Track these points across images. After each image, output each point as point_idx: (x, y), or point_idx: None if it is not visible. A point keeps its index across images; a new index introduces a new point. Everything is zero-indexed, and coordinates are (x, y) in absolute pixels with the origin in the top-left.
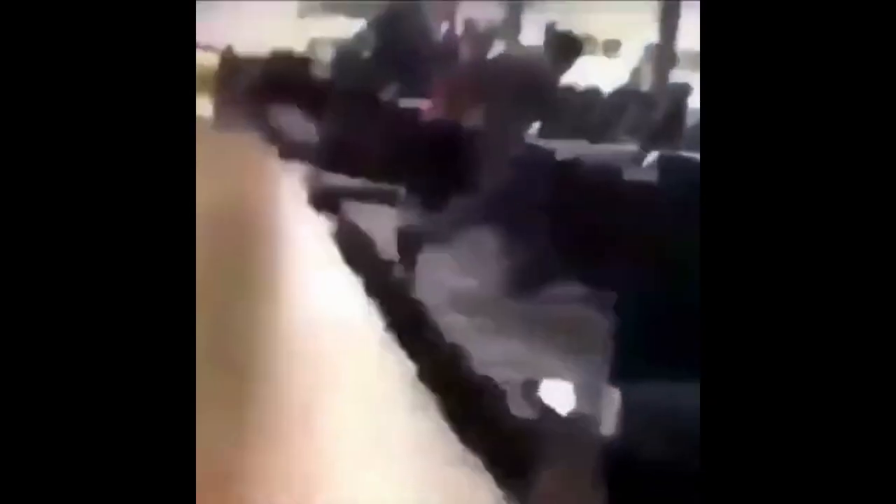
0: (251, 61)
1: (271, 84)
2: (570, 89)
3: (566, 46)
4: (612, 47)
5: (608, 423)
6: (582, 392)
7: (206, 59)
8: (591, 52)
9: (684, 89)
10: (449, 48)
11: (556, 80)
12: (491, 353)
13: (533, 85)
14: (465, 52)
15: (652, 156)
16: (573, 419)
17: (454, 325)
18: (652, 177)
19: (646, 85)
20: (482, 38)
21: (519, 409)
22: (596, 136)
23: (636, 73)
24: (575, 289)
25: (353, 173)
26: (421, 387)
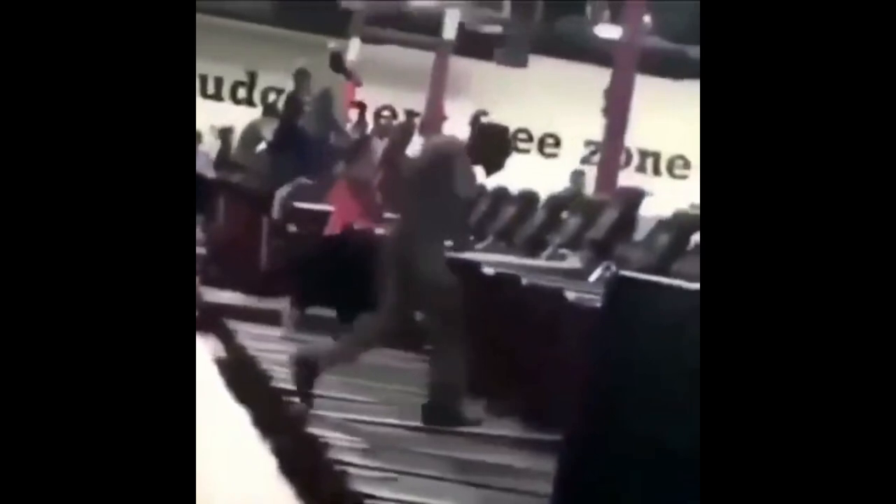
0: None
1: None
2: (502, 192)
3: (496, 140)
4: (548, 144)
5: None
6: None
7: None
8: (525, 150)
9: (637, 194)
10: (356, 142)
11: (471, 172)
12: None
13: (452, 182)
14: (375, 147)
15: (598, 272)
16: None
17: (358, 470)
18: (598, 298)
19: (589, 189)
20: (397, 131)
21: None
22: (531, 248)
23: (581, 174)
24: (508, 428)
25: (242, 289)
26: None
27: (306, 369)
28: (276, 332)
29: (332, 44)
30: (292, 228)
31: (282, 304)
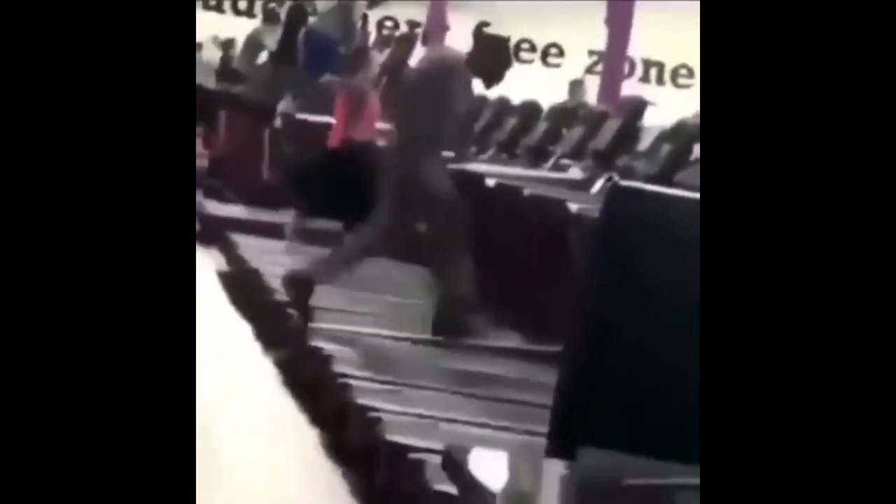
0: None
1: None
2: (503, 103)
3: (496, 52)
4: (552, 54)
5: (549, 502)
6: (518, 463)
7: None
8: (528, 60)
9: (640, 104)
10: (358, 54)
11: (469, 84)
12: (406, 417)
13: (450, 94)
14: (376, 58)
15: (600, 183)
16: (507, 496)
17: (361, 382)
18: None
19: (592, 98)
20: (399, 43)
21: (441, 482)
22: (534, 158)
23: (579, 84)
24: (509, 340)
25: (244, 201)
26: (324, 459)
27: (301, 287)
28: (278, 244)
29: None
30: (294, 140)
31: (285, 217)
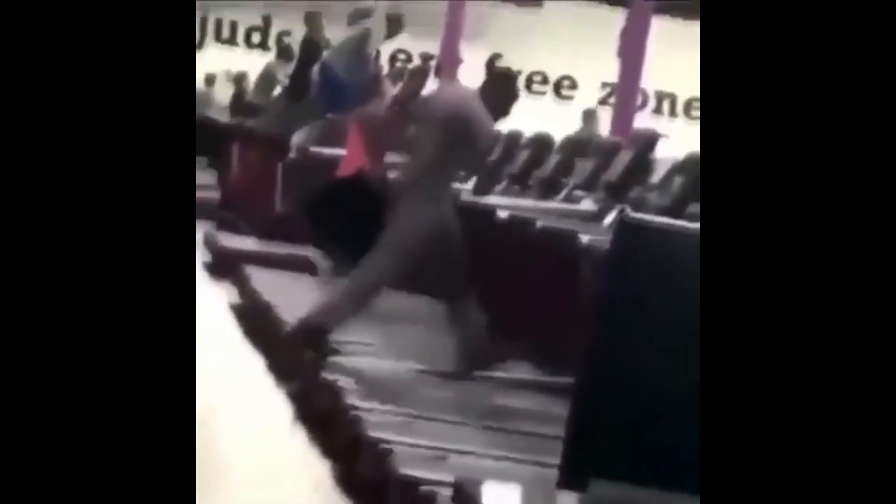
0: None
1: None
2: (515, 135)
3: (504, 85)
4: (565, 86)
5: None
6: (530, 496)
7: None
8: (541, 92)
9: (652, 137)
10: (371, 86)
11: (487, 121)
12: (418, 450)
13: (463, 128)
14: (389, 91)
15: (612, 215)
16: None
17: (373, 415)
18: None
19: (604, 130)
20: (412, 75)
21: None
22: (546, 190)
23: (592, 115)
24: (522, 371)
25: (257, 234)
26: (336, 491)
27: (316, 334)
28: (292, 277)
29: None
30: (307, 173)
31: (299, 250)
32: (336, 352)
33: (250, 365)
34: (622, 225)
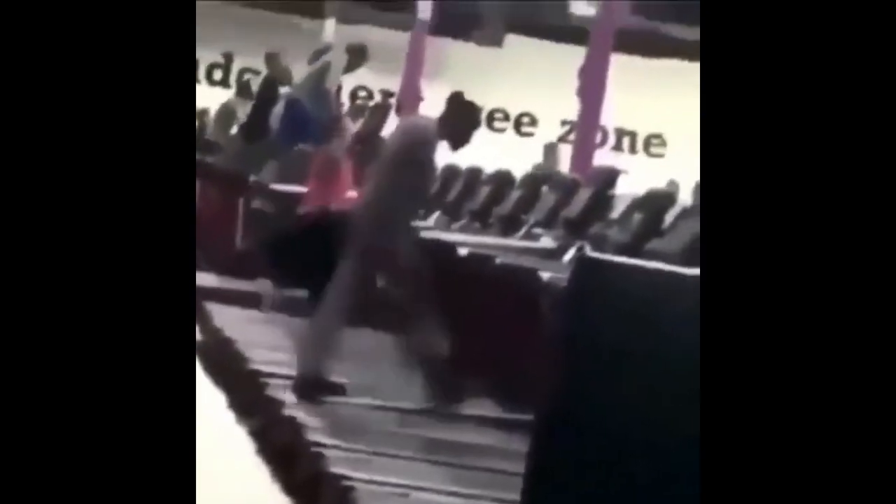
0: None
1: None
2: (476, 172)
3: (465, 114)
4: (525, 123)
5: None
6: None
7: None
8: (501, 129)
9: (611, 174)
10: (332, 123)
11: (435, 145)
12: (380, 487)
13: (413, 152)
14: (350, 128)
15: (572, 252)
16: None
17: (335, 452)
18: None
19: (565, 167)
20: (372, 112)
21: None
22: (506, 227)
23: (553, 149)
24: (482, 409)
25: (218, 270)
26: None
27: (316, 386)
28: (252, 313)
29: (308, 24)
30: (267, 210)
31: (259, 287)
32: (343, 390)
33: (212, 401)
34: (580, 263)
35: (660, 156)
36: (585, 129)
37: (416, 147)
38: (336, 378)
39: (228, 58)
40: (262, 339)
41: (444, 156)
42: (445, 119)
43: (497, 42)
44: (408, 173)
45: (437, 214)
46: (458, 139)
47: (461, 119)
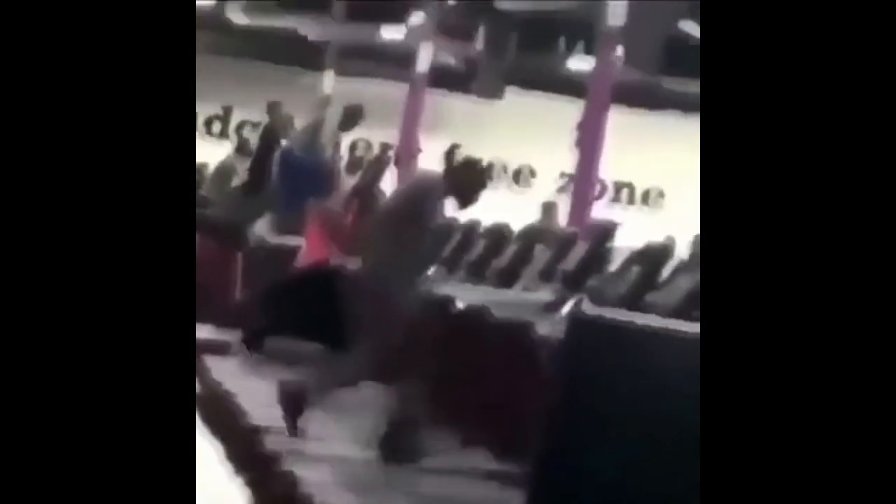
0: None
1: None
2: (473, 225)
3: (470, 174)
4: (523, 176)
5: None
6: None
7: None
8: (498, 184)
9: (609, 227)
10: (330, 176)
11: (440, 203)
12: None
13: (415, 208)
14: (347, 181)
15: (569, 305)
16: None
17: None
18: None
19: (563, 219)
20: (371, 165)
21: None
22: (503, 281)
23: (551, 207)
24: (477, 461)
25: (216, 323)
26: None
27: (295, 401)
28: (251, 365)
29: (306, 77)
30: (266, 263)
31: (234, 336)
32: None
33: (209, 454)
34: (575, 319)
35: (657, 208)
36: (583, 182)
37: (425, 202)
38: (327, 428)
39: (227, 111)
40: (260, 392)
41: (446, 211)
42: (450, 176)
43: (495, 95)
44: (415, 228)
45: (434, 267)
46: (466, 198)
47: (466, 178)
